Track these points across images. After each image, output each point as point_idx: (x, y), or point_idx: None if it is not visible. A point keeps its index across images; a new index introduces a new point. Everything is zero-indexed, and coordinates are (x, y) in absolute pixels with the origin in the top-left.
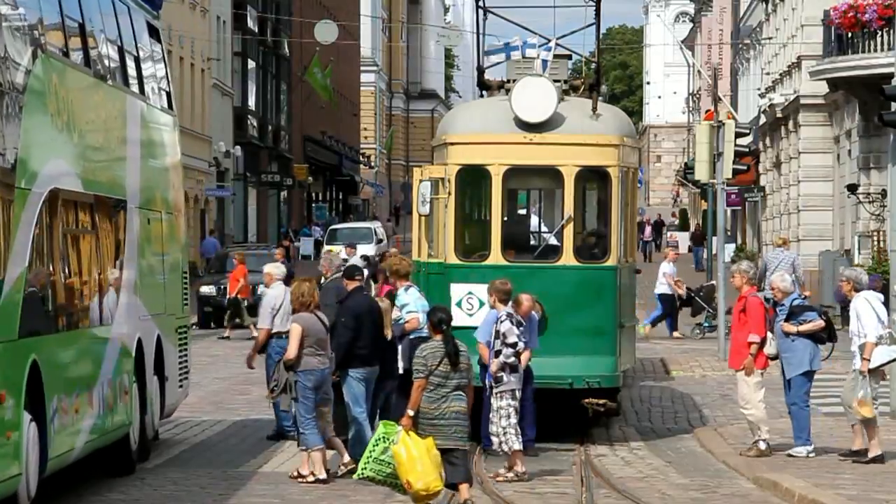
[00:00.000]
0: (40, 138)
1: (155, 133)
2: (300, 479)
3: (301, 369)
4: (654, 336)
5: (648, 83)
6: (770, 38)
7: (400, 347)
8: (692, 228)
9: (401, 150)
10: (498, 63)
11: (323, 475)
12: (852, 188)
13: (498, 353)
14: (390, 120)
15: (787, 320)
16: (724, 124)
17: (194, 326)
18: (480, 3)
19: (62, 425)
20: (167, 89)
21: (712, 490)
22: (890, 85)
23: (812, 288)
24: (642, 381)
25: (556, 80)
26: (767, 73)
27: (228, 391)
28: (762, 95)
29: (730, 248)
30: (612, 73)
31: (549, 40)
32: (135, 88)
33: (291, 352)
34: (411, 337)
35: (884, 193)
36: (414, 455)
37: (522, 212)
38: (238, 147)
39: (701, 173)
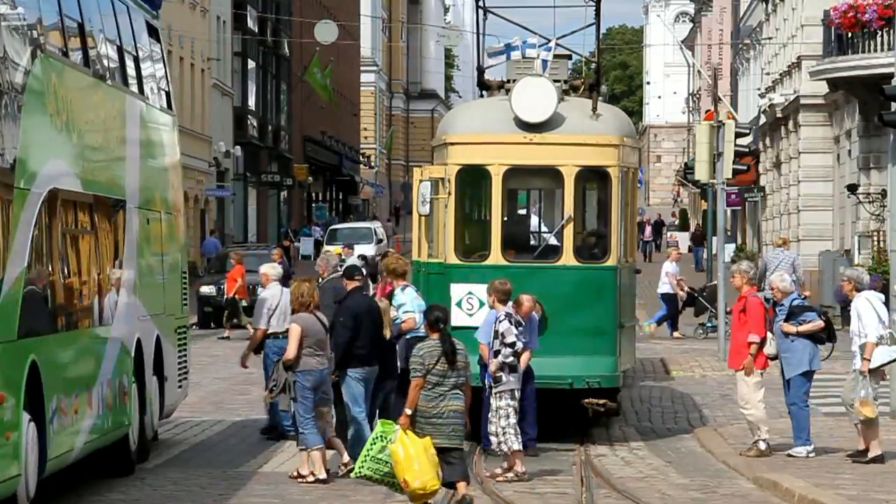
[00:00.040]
0: (39, 138)
1: (154, 133)
2: (300, 479)
3: (300, 370)
4: (654, 336)
5: (648, 83)
6: (770, 38)
7: (397, 347)
8: (692, 228)
9: (401, 150)
10: (498, 63)
11: (323, 475)
12: (852, 188)
13: (497, 353)
14: (390, 120)
15: (786, 320)
16: (724, 124)
17: (194, 326)
18: (480, 3)
19: (61, 426)
20: (166, 89)
21: (712, 490)
22: (890, 85)
23: (812, 288)
24: (642, 381)
25: (556, 80)
26: (767, 73)
27: (228, 391)
28: (762, 95)
29: (730, 248)
30: (612, 73)
31: (549, 40)
32: (134, 88)
33: (291, 352)
34: (408, 337)
35: (884, 193)
36: (411, 454)
37: (522, 212)
38: (238, 147)
39: (701, 173)
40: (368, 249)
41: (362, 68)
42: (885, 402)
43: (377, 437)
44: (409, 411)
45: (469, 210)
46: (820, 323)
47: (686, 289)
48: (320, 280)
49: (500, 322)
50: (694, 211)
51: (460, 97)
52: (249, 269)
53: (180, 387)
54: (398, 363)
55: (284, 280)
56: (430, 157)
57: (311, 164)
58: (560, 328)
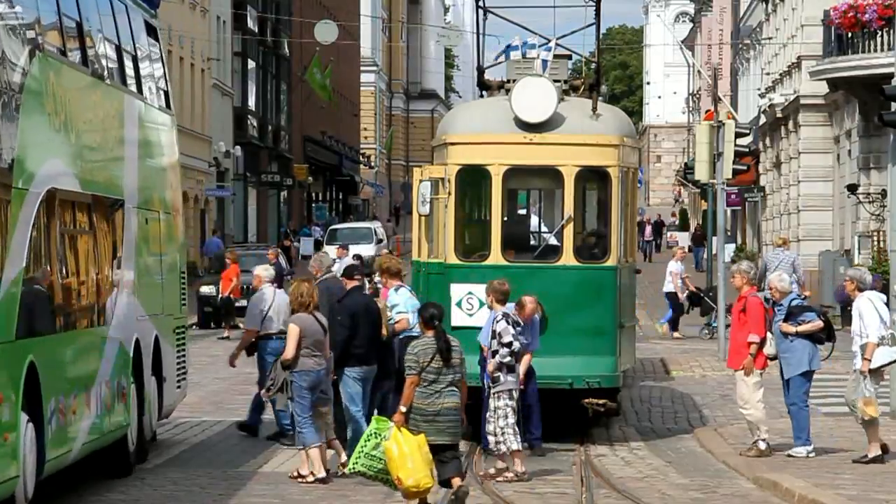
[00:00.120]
0: (38, 138)
1: (153, 133)
2: (300, 479)
3: (297, 370)
4: (666, 335)
5: (648, 83)
6: (770, 38)
7: (395, 347)
8: (692, 228)
9: (401, 150)
10: (498, 63)
11: (322, 473)
12: (852, 188)
13: (494, 353)
14: (390, 120)
15: (785, 320)
16: (724, 124)
17: (194, 326)
18: (480, 3)
19: (60, 427)
20: (165, 89)
21: (712, 490)
22: (890, 85)
23: (812, 288)
24: (642, 381)
25: (556, 80)
26: (767, 73)
27: (228, 391)
28: (762, 95)
29: (730, 249)
30: (612, 73)
31: (549, 40)
32: (133, 88)
33: (289, 352)
34: (401, 337)
35: (884, 193)
36: (405, 452)
37: (522, 212)
38: (238, 147)
39: (701, 173)
40: (368, 249)
41: (362, 68)
42: (885, 402)
43: (371, 434)
44: (403, 409)
45: (469, 210)
46: (819, 323)
47: (692, 288)
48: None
49: (497, 322)
50: (694, 211)
51: (460, 97)
52: (246, 269)
53: (179, 387)
54: (395, 363)
55: (280, 281)
56: (430, 157)
57: (311, 164)
58: (560, 328)
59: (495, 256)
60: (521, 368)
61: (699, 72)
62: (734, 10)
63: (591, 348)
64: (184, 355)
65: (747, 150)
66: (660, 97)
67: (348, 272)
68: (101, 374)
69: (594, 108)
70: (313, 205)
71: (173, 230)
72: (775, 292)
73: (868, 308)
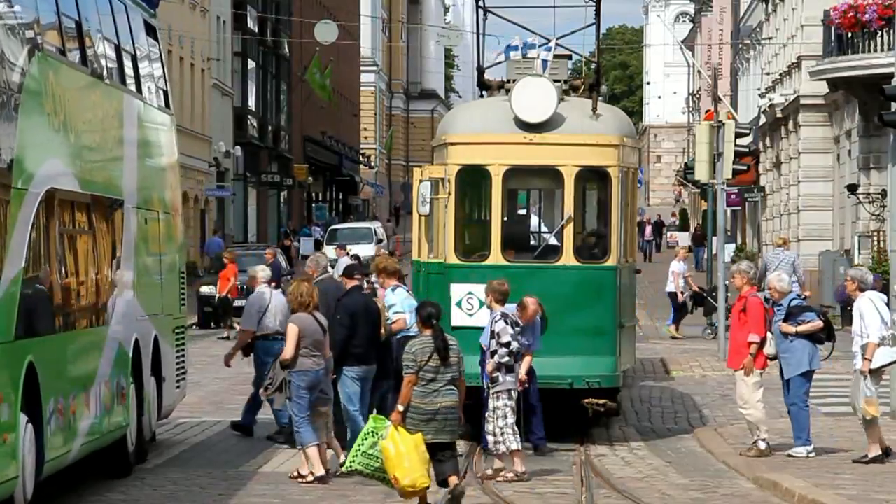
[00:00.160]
0: (37, 138)
1: (152, 132)
2: (300, 479)
3: (295, 370)
4: (674, 336)
5: (648, 83)
6: (770, 38)
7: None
8: (692, 228)
9: (401, 150)
10: (498, 63)
11: (321, 472)
12: (852, 188)
13: (493, 354)
14: (390, 120)
15: (785, 320)
16: (724, 124)
17: (194, 326)
18: (480, 3)
19: (59, 427)
20: (164, 88)
21: (712, 490)
22: (890, 85)
23: (812, 288)
24: (642, 381)
25: (556, 80)
26: (767, 73)
27: (228, 391)
28: (762, 95)
29: (730, 249)
30: (612, 73)
31: (549, 40)
32: (132, 87)
33: (288, 352)
34: (398, 337)
35: (884, 193)
36: (402, 451)
37: (522, 212)
38: (238, 147)
39: (701, 173)
40: (368, 249)
41: (362, 68)
42: (885, 401)
43: (368, 433)
44: (401, 407)
45: (469, 210)
46: (819, 323)
47: (695, 288)
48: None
49: (495, 322)
50: (694, 211)
51: (460, 97)
52: (245, 269)
53: (178, 387)
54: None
55: (277, 280)
56: (430, 157)
57: (311, 164)
58: (560, 328)
59: (495, 256)
60: (522, 369)
61: (699, 72)
62: (734, 10)
63: (591, 348)
64: (183, 355)
65: (747, 150)
66: (660, 97)
67: (348, 272)
68: (100, 375)
69: (594, 108)
70: (313, 205)
71: (173, 230)
72: (774, 292)
73: (869, 308)
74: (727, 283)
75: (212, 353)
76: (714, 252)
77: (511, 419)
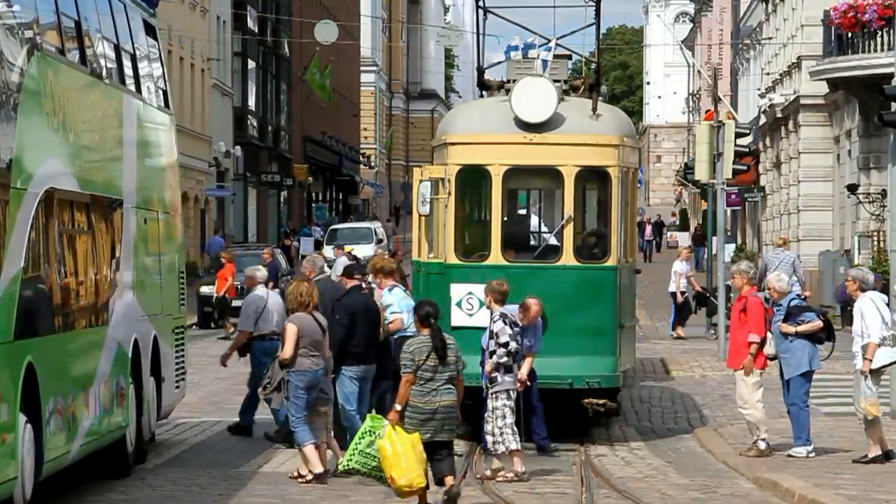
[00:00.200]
0: (36, 138)
1: (151, 132)
2: (300, 479)
3: (294, 370)
4: (681, 336)
5: (648, 83)
6: (770, 38)
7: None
8: (692, 228)
9: (401, 150)
10: (498, 63)
11: (319, 469)
12: (852, 188)
13: (492, 354)
14: (390, 120)
15: (785, 321)
16: (724, 124)
17: (194, 326)
18: (480, 3)
19: (58, 428)
20: (164, 88)
21: (712, 490)
22: (890, 85)
23: (812, 288)
24: (642, 381)
25: (556, 80)
26: (767, 73)
27: (228, 391)
28: (762, 95)
29: (730, 249)
30: (612, 73)
31: (549, 40)
32: (131, 87)
33: (287, 351)
34: (395, 337)
35: (884, 193)
36: (399, 451)
37: (522, 212)
38: (238, 147)
39: (701, 173)
40: (368, 250)
41: (362, 68)
42: (885, 401)
43: (366, 432)
44: (398, 407)
45: (469, 210)
46: (818, 323)
47: (698, 288)
48: None
49: (494, 322)
50: (694, 211)
51: (460, 97)
52: (243, 269)
53: (178, 387)
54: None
55: (275, 280)
56: (430, 157)
57: (311, 164)
58: (560, 328)
59: (495, 256)
60: (524, 370)
61: (699, 72)
62: (734, 10)
63: (591, 348)
64: (183, 355)
65: (747, 150)
66: (660, 97)
67: (348, 271)
68: (99, 375)
69: (594, 108)
70: (313, 205)
71: (172, 230)
72: (773, 292)
73: (870, 308)
74: (728, 283)
75: (211, 353)
76: (714, 252)
77: (510, 419)
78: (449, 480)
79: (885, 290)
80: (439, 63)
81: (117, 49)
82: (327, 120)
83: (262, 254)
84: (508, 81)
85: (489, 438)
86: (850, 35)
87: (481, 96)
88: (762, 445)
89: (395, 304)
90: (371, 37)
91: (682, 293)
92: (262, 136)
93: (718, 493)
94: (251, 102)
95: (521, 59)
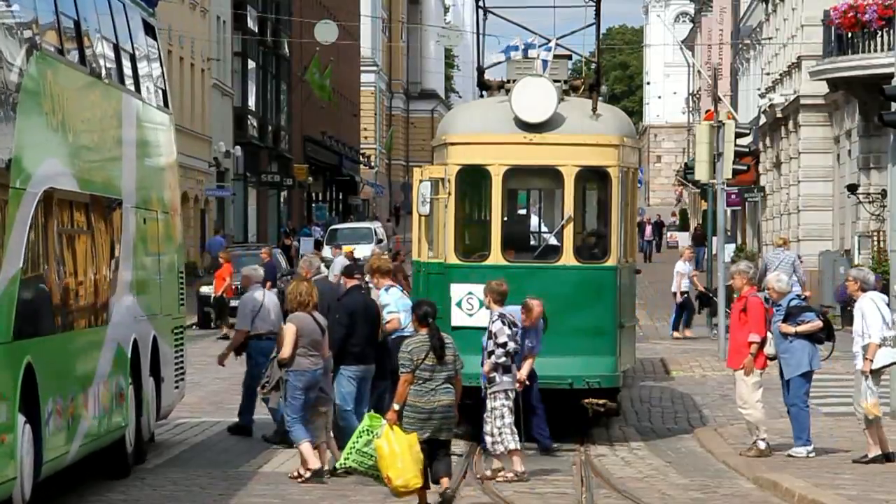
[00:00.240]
0: (35, 138)
1: (151, 132)
2: (300, 479)
3: (292, 369)
4: (686, 337)
5: (648, 83)
6: (770, 39)
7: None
8: (692, 228)
9: (401, 150)
10: (498, 63)
11: (315, 465)
12: (852, 188)
13: (490, 354)
14: (390, 120)
15: (784, 321)
16: (724, 124)
17: (193, 326)
18: (480, 3)
19: (57, 428)
20: (163, 88)
21: (712, 490)
22: (890, 85)
23: (812, 288)
24: (642, 381)
25: (556, 81)
26: (767, 73)
27: (228, 391)
28: (762, 95)
29: (730, 249)
30: (612, 73)
31: (549, 40)
32: (131, 87)
33: (286, 351)
34: (392, 337)
35: (884, 193)
36: (395, 451)
37: (522, 212)
38: (238, 147)
39: (701, 173)
40: (368, 250)
41: (362, 68)
42: (885, 401)
43: (363, 431)
44: (397, 406)
45: (469, 210)
46: (818, 323)
47: (701, 288)
48: None
49: (493, 322)
50: (694, 211)
51: (460, 97)
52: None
53: (177, 388)
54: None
55: (273, 280)
56: (430, 157)
57: (311, 164)
58: (560, 328)
59: (495, 256)
60: (524, 371)
61: (699, 72)
62: (734, 10)
63: (591, 348)
64: (182, 355)
65: (747, 150)
66: (660, 97)
67: (348, 271)
68: (98, 375)
69: (594, 108)
70: (313, 205)
71: (171, 230)
72: (773, 293)
73: (871, 308)
74: (728, 283)
75: (211, 353)
76: (714, 252)
77: (509, 419)
78: (444, 482)
79: (885, 290)
80: (439, 63)
81: (117, 49)
82: (327, 120)
83: (260, 254)
84: (508, 81)
85: (488, 439)
86: (850, 35)
87: (481, 96)
88: (762, 445)
89: (392, 304)
90: (371, 37)
91: (683, 293)
92: (262, 136)
93: (718, 494)
94: (251, 102)
95: (521, 59)
